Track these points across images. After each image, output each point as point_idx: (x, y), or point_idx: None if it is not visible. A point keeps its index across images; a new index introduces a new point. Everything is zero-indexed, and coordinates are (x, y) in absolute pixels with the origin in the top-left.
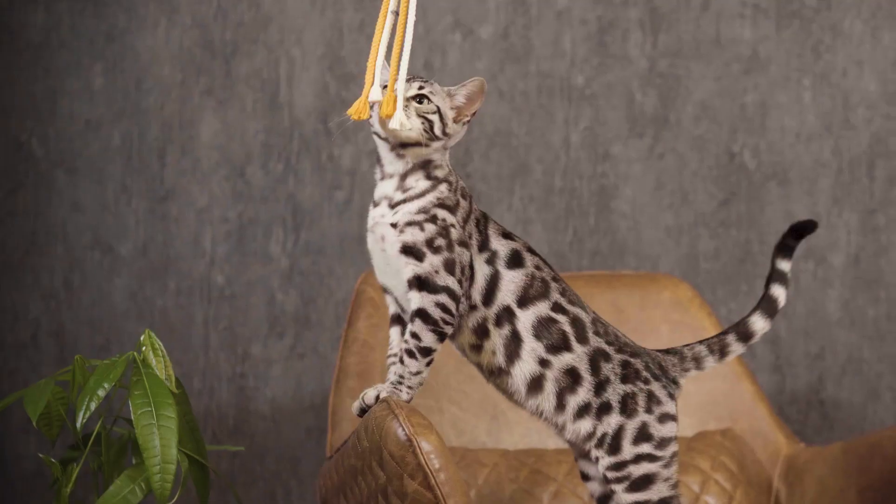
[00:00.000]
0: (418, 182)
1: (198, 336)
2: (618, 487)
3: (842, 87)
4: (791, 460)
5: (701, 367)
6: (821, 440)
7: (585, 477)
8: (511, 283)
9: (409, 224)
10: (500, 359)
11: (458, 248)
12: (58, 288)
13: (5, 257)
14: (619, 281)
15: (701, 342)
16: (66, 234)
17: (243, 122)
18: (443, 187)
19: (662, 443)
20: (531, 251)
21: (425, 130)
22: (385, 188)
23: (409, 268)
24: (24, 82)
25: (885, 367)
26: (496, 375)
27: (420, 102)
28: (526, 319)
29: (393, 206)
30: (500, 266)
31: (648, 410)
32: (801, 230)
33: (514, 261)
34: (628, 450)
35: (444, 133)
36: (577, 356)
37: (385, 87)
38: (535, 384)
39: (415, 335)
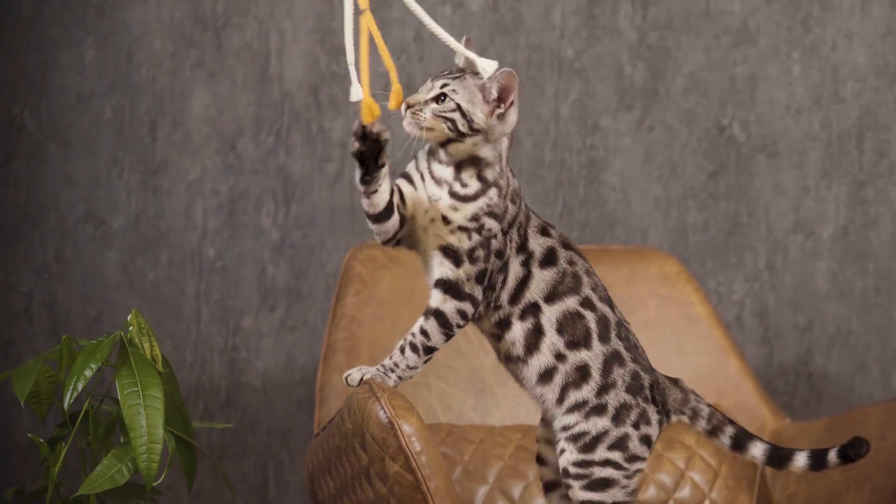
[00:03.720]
0: (471, 181)
1: (189, 309)
2: (576, 484)
3: (831, 60)
4: (777, 436)
5: (693, 422)
6: (809, 412)
7: (540, 461)
8: (541, 282)
9: (462, 229)
10: (519, 349)
11: (493, 259)
12: (50, 260)
13: None
14: (607, 255)
15: (708, 405)
16: (58, 207)
17: (234, 94)
18: (492, 192)
19: (633, 458)
20: (566, 245)
21: (449, 129)
22: (444, 172)
23: (444, 269)
24: (15, 56)
25: (874, 340)
26: (512, 361)
27: (440, 102)
28: (551, 314)
29: (453, 195)
30: (534, 267)
31: (636, 426)
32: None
33: (548, 259)
34: (600, 453)
35: (472, 129)
36: (593, 354)
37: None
38: (547, 375)
39: (425, 333)
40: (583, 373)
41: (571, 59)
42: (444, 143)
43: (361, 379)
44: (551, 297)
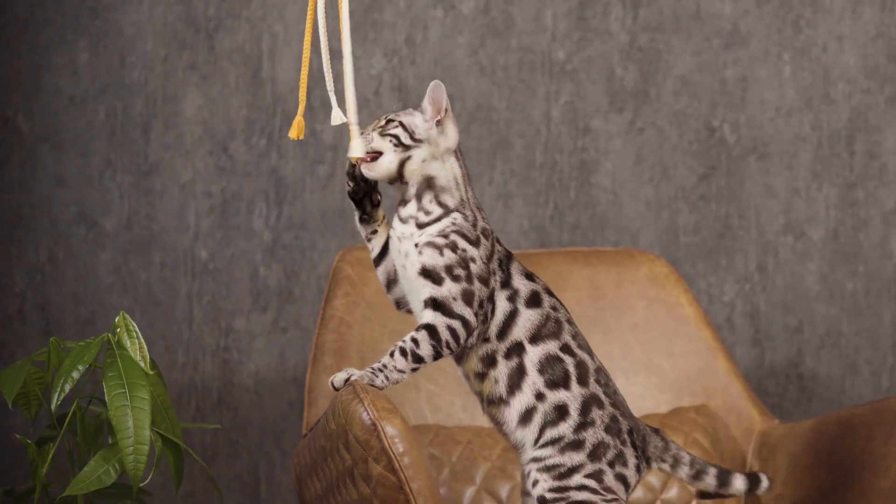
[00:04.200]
0: (432, 205)
1: (182, 310)
2: None
3: (822, 62)
4: (764, 436)
5: (674, 470)
6: (799, 413)
7: (526, 494)
8: (527, 321)
9: (428, 245)
10: (502, 388)
11: (477, 283)
12: (43, 262)
13: None
14: (597, 257)
15: (689, 453)
16: (51, 209)
17: (226, 97)
18: (456, 216)
19: (609, 490)
20: (549, 293)
21: (395, 145)
22: (409, 209)
23: (427, 289)
24: (9, 58)
25: (864, 341)
26: (495, 404)
27: (384, 127)
28: (534, 355)
29: (420, 226)
30: (520, 304)
31: (611, 465)
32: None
33: (533, 300)
34: (576, 480)
35: (414, 140)
36: (572, 395)
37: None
38: (527, 416)
39: (415, 341)
40: (561, 412)
41: (562, 61)
42: (400, 173)
43: (347, 380)
44: (535, 338)
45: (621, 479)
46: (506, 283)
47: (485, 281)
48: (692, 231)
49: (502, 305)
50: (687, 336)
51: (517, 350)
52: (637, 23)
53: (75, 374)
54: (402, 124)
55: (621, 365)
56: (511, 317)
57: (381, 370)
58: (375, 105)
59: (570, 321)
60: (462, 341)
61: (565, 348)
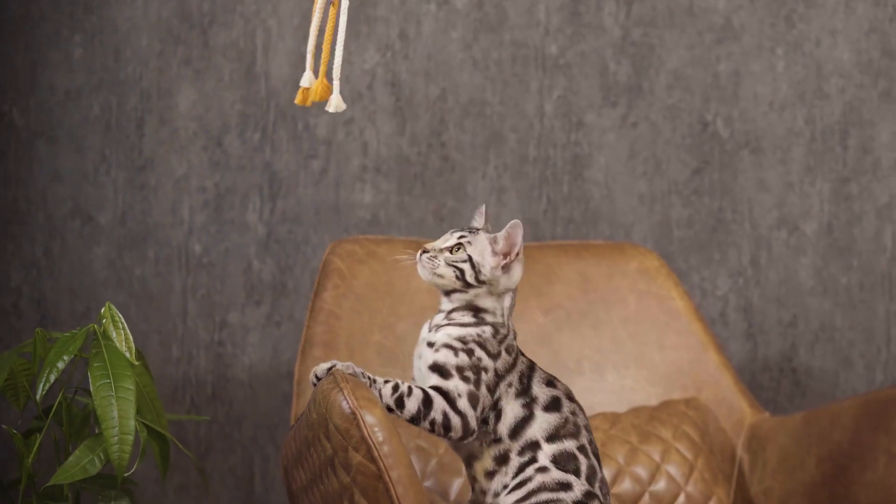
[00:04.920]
0: (464, 317)
1: (176, 304)
2: None
3: (815, 57)
4: (755, 429)
5: None
6: (793, 408)
7: None
8: (545, 422)
9: (446, 346)
10: (509, 478)
11: (484, 390)
12: (38, 256)
13: None
14: (588, 251)
15: None
16: (47, 203)
17: (220, 92)
18: (486, 329)
19: None
20: (570, 398)
21: (457, 278)
22: (437, 318)
23: (432, 380)
24: (4, 54)
25: (858, 335)
26: (500, 496)
27: (454, 252)
28: (549, 450)
29: (436, 328)
30: (538, 409)
31: None
32: None
33: (553, 406)
34: None
35: (479, 281)
36: (577, 482)
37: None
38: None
39: (411, 390)
40: (564, 487)
41: (556, 55)
42: (449, 292)
43: (330, 369)
44: (552, 437)
45: None
46: (524, 391)
47: (491, 391)
48: (685, 225)
49: (514, 411)
50: (678, 329)
51: (532, 447)
52: (630, 17)
53: (60, 365)
54: (471, 260)
55: (612, 358)
56: (525, 420)
57: (369, 379)
58: (369, 99)
59: (587, 428)
60: (453, 435)
61: (582, 449)
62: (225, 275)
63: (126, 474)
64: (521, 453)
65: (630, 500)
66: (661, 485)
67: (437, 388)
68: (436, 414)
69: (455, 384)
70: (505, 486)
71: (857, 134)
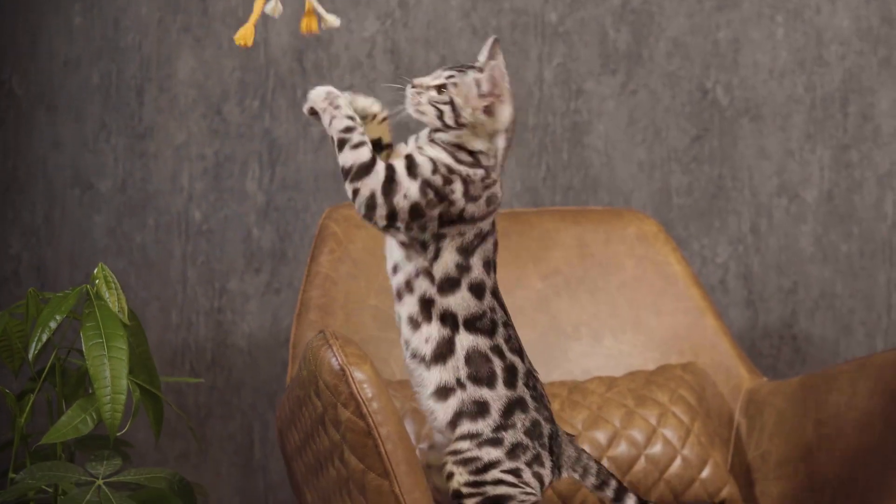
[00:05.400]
0: (460, 153)
1: (176, 271)
2: (469, 501)
3: (815, 24)
4: (752, 394)
5: (583, 478)
6: (793, 375)
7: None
8: (466, 303)
9: (431, 160)
10: (428, 351)
11: (434, 214)
12: (38, 224)
13: None
14: (585, 216)
15: (597, 463)
16: (47, 171)
17: (220, 59)
18: (479, 172)
19: (526, 484)
20: (494, 293)
21: (437, 118)
22: (422, 137)
23: (396, 162)
24: (4, 22)
25: (858, 303)
26: (417, 360)
27: (439, 92)
28: (465, 341)
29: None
30: (465, 281)
31: (529, 465)
32: None
33: (477, 290)
34: (493, 475)
35: (458, 124)
36: (496, 395)
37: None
38: (443, 393)
39: (356, 147)
40: (481, 408)
41: (555, 23)
42: (432, 131)
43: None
44: (469, 325)
45: (538, 477)
46: (463, 251)
47: (441, 222)
48: (685, 192)
49: (449, 262)
50: (675, 294)
51: (451, 323)
52: None
53: (52, 324)
54: (452, 102)
55: (609, 323)
56: (453, 285)
57: (334, 108)
58: (368, 67)
59: (506, 324)
60: (363, 215)
61: (496, 349)
62: (224, 242)
63: (118, 434)
64: (442, 320)
65: (626, 462)
66: (657, 448)
67: (390, 168)
68: (364, 187)
69: (409, 184)
70: (423, 360)
71: (858, 101)
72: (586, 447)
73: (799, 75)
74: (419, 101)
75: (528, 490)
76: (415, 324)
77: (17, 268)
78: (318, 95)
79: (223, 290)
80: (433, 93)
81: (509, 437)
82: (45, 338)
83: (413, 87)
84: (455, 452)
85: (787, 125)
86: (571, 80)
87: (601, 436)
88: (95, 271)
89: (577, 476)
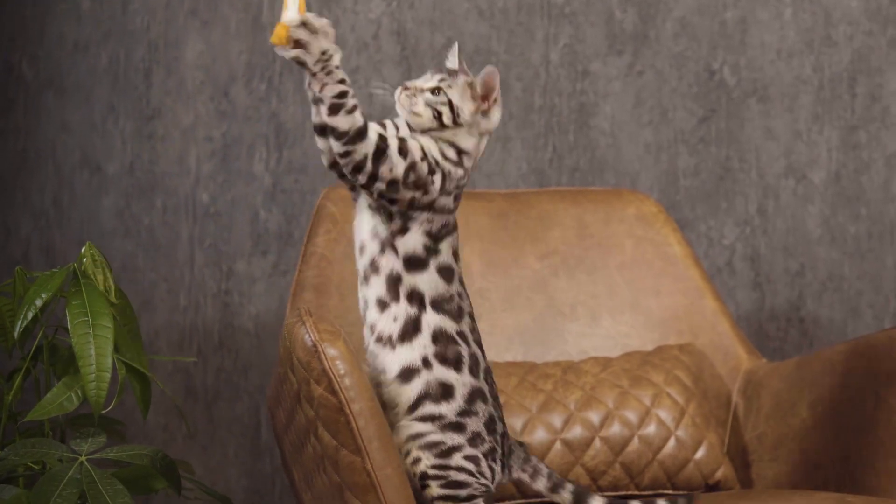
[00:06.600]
0: (449, 150)
1: (183, 253)
2: (434, 483)
3: (823, 4)
4: (750, 375)
5: (533, 480)
6: None
7: None
8: (434, 283)
9: (421, 146)
10: (396, 329)
11: (412, 194)
12: (48, 206)
13: None
14: (585, 196)
15: (548, 468)
16: (55, 154)
17: (227, 42)
18: (460, 171)
19: (482, 475)
20: (462, 282)
21: (434, 118)
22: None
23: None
24: (13, 5)
25: (865, 285)
26: (381, 343)
27: (435, 94)
28: (431, 320)
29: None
30: (433, 263)
31: (486, 456)
32: None
33: (445, 274)
34: (456, 460)
35: (455, 123)
36: (461, 381)
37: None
38: (408, 375)
39: (351, 111)
40: (446, 391)
41: (561, 4)
42: (425, 130)
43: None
44: (435, 305)
45: (491, 471)
46: (432, 237)
47: (412, 206)
48: (692, 174)
49: (417, 242)
50: (674, 275)
51: (418, 301)
52: None
53: (38, 302)
54: (450, 103)
55: (607, 304)
56: (420, 264)
57: (325, 74)
58: (374, 48)
59: (471, 315)
60: (350, 178)
61: (461, 335)
62: (232, 224)
63: (104, 411)
64: (409, 299)
65: (619, 443)
66: (650, 429)
67: (385, 141)
68: (357, 152)
69: (398, 161)
70: (390, 340)
71: (866, 82)
72: (578, 428)
73: (807, 56)
74: (415, 102)
75: (483, 481)
76: (382, 305)
77: (27, 250)
78: (312, 54)
79: (230, 272)
80: (428, 95)
81: (471, 424)
82: (30, 315)
83: (405, 89)
84: (417, 436)
85: (794, 106)
86: (578, 61)
87: (594, 416)
88: (83, 250)
89: (526, 477)
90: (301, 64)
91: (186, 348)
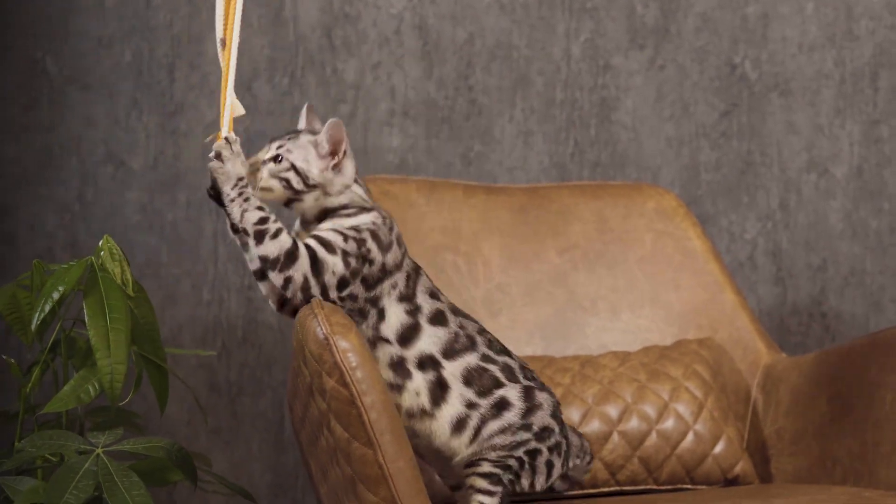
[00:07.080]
0: (346, 210)
1: (207, 248)
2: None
3: None
4: (769, 369)
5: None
6: None
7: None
8: (434, 336)
9: (335, 230)
10: (425, 400)
11: (361, 285)
12: (72, 201)
13: (21, 172)
14: (604, 191)
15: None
16: (80, 149)
17: (249, 37)
18: (375, 216)
19: (534, 470)
20: (455, 311)
21: (285, 188)
22: (296, 226)
23: (312, 242)
24: (37, 2)
25: (888, 279)
26: (417, 417)
27: (277, 163)
28: (454, 369)
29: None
30: (423, 320)
31: (550, 451)
32: None
33: (438, 319)
34: (517, 452)
35: (308, 186)
36: (508, 389)
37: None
38: (460, 425)
39: (278, 233)
40: (502, 405)
41: None
42: (287, 203)
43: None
44: (449, 353)
45: (549, 466)
46: (407, 298)
47: (370, 286)
48: (713, 168)
49: (398, 315)
50: (694, 269)
51: (432, 364)
52: None
53: (55, 295)
54: (294, 167)
55: (627, 298)
56: (413, 330)
57: (243, 200)
58: (396, 43)
59: (481, 332)
60: (297, 293)
61: (486, 358)
62: None
63: (121, 403)
64: (421, 368)
65: (637, 437)
66: (668, 423)
67: (310, 249)
68: (296, 273)
69: (333, 259)
70: (425, 412)
71: (888, 76)
72: (596, 422)
73: (829, 50)
74: (259, 177)
75: (530, 476)
76: (397, 388)
77: (51, 245)
78: (230, 178)
79: None
80: (271, 165)
81: (537, 419)
82: (48, 308)
83: (250, 165)
84: (488, 452)
85: (816, 100)
86: (599, 55)
87: (612, 410)
88: (101, 243)
89: (579, 462)
90: (216, 194)
91: (210, 343)
